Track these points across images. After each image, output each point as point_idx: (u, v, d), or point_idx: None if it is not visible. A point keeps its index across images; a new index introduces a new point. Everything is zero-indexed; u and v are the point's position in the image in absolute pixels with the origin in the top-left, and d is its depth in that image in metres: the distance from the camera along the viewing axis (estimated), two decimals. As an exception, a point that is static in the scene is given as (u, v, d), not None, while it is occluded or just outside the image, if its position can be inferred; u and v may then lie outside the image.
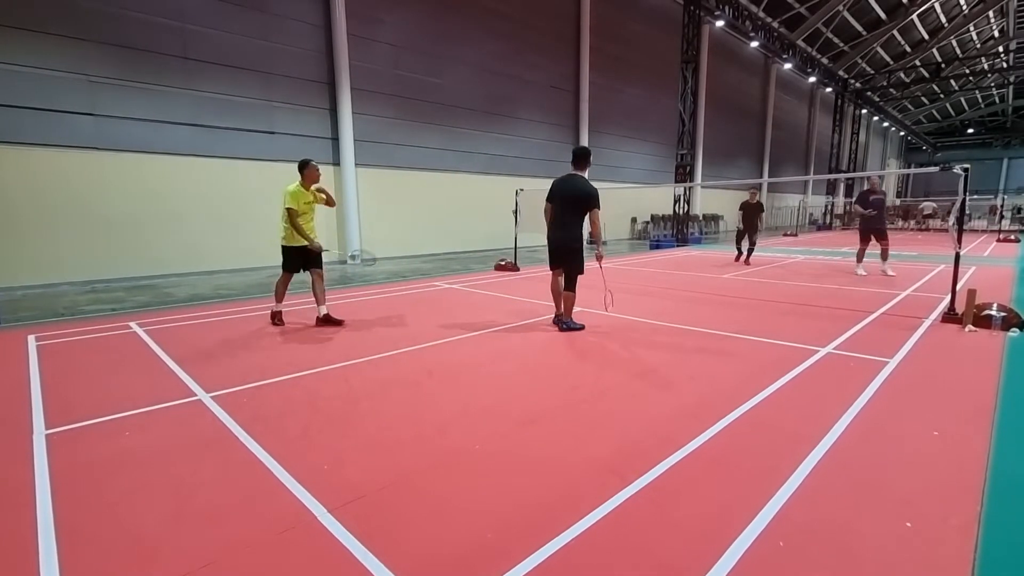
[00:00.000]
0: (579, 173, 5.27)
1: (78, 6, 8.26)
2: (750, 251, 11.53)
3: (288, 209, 5.41)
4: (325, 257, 5.83)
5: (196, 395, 3.56)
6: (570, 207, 5.20)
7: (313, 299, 5.78)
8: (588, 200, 5.16)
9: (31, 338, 5.10)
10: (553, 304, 5.76)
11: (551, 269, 5.51)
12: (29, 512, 2.20)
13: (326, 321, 5.64)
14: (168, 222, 9.40)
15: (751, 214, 11.39)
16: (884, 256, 9.57)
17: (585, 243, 5.43)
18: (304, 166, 5.52)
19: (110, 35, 8.59)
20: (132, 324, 5.71)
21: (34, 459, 2.67)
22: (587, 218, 5.26)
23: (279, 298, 5.80)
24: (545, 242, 5.59)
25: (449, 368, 4.17)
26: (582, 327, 5.42)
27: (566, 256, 5.29)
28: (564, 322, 5.42)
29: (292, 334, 5.31)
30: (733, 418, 3.09)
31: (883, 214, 9.50)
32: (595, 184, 5.37)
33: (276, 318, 5.76)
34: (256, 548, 1.96)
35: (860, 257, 9.89)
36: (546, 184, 5.69)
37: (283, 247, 5.73)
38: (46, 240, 8.22)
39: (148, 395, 3.54)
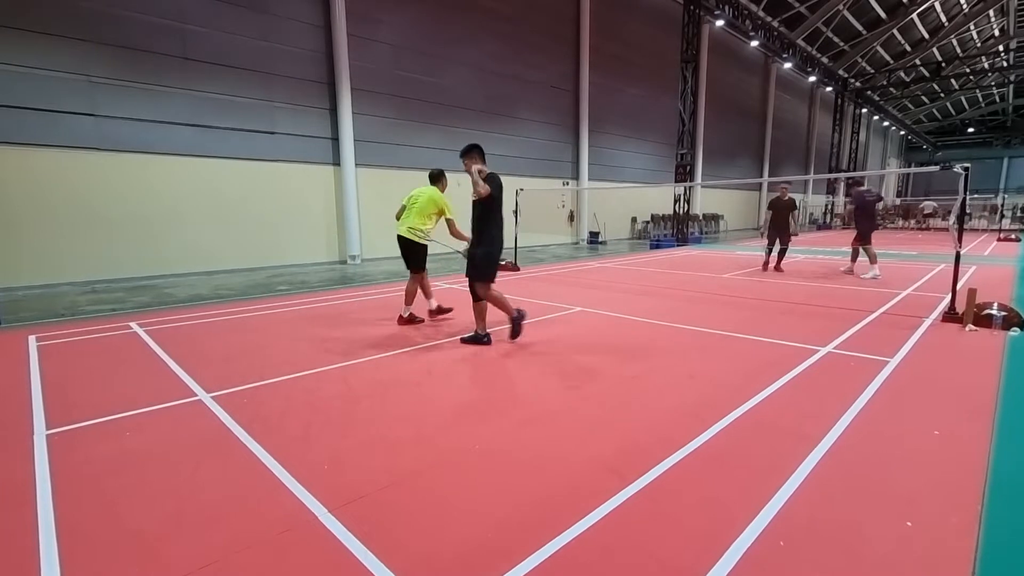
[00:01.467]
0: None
1: (79, 7, 8.27)
2: (782, 254, 10.36)
3: (451, 219, 5.56)
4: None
5: (196, 395, 3.56)
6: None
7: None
8: None
9: (32, 338, 5.11)
10: (500, 314, 5.17)
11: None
12: (30, 512, 2.21)
13: (409, 320, 5.72)
14: (168, 222, 9.41)
15: (782, 213, 10.05)
16: (853, 256, 9.94)
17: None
18: (443, 175, 5.80)
19: (111, 36, 8.59)
20: (132, 324, 5.71)
21: (35, 459, 2.67)
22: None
23: (411, 300, 5.70)
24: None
25: (449, 368, 4.18)
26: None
27: None
28: (483, 333, 4.82)
29: (292, 334, 5.31)
30: (734, 417, 3.09)
31: (856, 214, 9.66)
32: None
33: (413, 320, 5.69)
34: (256, 548, 1.96)
35: (871, 258, 9.25)
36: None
37: (413, 243, 5.58)
38: (47, 240, 8.22)
39: (148, 395, 3.55)
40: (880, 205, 9.79)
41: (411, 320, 5.71)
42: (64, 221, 8.35)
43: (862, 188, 9.81)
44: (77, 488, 2.40)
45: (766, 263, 10.55)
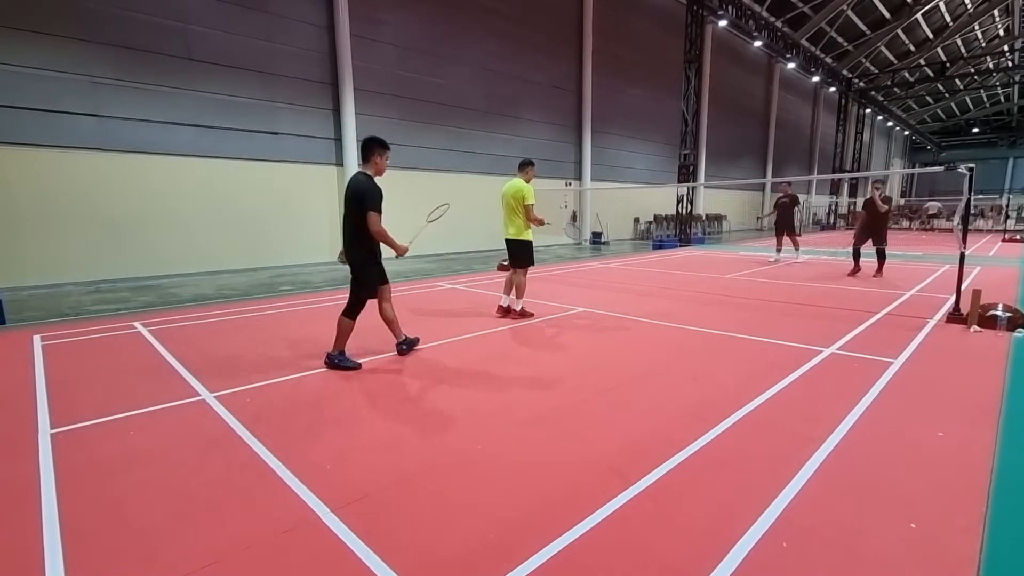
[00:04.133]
0: (362, 171, 4.20)
1: (81, 7, 8.30)
2: (881, 258, 9.33)
3: (531, 205, 5.75)
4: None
5: (200, 395, 3.57)
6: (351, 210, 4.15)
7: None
8: (361, 200, 4.03)
9: (36, 338, 5.13)
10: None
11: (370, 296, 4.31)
12: (34, 510, 2.22)
13: (522, 314, 6.04)
14: (172, 222, 9.44)
15: (876, 213, 9.13)
16: (796, 247, 11.98)
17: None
18: (530, 164, 5.98)
19: (114, 36, 8.63)
20: (136, 324, 5.73)
21: (39, 458, 2.68)
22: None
23: (507, 290, 6.11)
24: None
25: (451, 368, 4.18)
26: (358, 366, 4.19)
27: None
28: (334, 357, 4.20)
29: (295, 334, 5.32)
30: (736, 418, 3.09)
31: (784, 214, 11.66)
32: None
33: (507, 312, 6.09)
34: (259, 547, 1.96)
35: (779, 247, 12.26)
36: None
37: (517, 241, 5.92)
38: (51, 240, 8.26)
39: (152, 395, 3.56)
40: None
41: (524, 314, 6.02)
42: (68, 221, 8.38)
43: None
44: (81, 487, 2.41)
45: (855, 271, 9.64)
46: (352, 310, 4.23)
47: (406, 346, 4.53)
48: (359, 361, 4.26)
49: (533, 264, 6.07)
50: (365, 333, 5.32)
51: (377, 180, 4.33)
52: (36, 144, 8.06)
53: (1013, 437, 2.84)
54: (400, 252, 4.21)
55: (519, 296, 6.02)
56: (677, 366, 4.19)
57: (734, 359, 4.37)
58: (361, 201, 4.01)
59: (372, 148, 4.22)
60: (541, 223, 5.83)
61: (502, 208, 5.99)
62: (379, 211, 4.03)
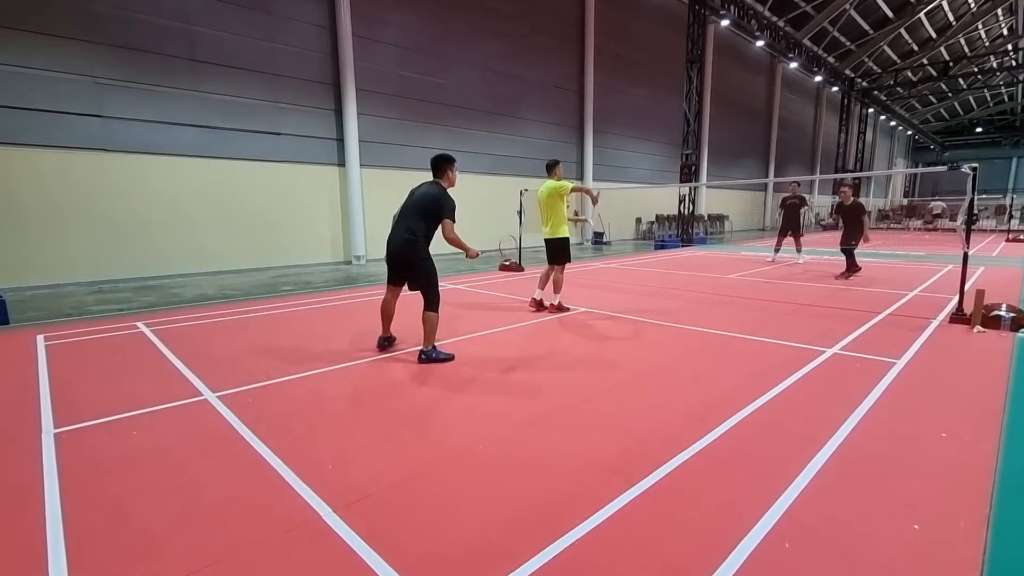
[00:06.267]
0: (435, 181, 4.58)
1: (85, 9, 8.33)
2: (847, 258, 9.26)
3: (573, 187, 6.10)
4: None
5: (202, 395, 3.58)
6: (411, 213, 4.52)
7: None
8: (439, 208, 4.41)
9: (40, 338, 5.14)
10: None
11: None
12: (38, 510, 2.22)
13: (559, 308, 6.32)
14: (174, 223, 9.46)
15: (854, 214, 9.13)
16: (798, 248, 11.81)
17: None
18: (557, 163, 6.31)
19: (117, 37, 8.65)
20: (139, 324, 5.74)
21: (43, 457, 2.69)
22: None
23: (542, 284, 6.50)
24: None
25: (453, 368, 4.18)
26: (451, 357, 4.39)
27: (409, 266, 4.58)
28: (425, 352, 4.34)
29: (296, 334, 5.33)
30: (738, 419, 3.08)
31: (796, 215, 11.36)
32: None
33: (540, 306, 6.40)
34: (261, 547, 1.96)
35: (777, 247, 12.03)
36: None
37: (554, 239, 6.23)
38: (54, 241, 8.28)
39: (155, 395, 3.56)
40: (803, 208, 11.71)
41: (560, 308, 6.30)
42: (71, 222, 8.40)
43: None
44: (84, 486, 2.42)
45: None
46: (436, 303, 4.45)
47: (387, 342, 4.73)
48: (450, 353, 4.46)
49: (569, 260, 6.31)
50: (364, 333, 5.32)
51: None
52: (40, 145, 8.08)
53: (1017, 438, 2.83)
54: (473, 255, 4.64)
55: (556, 291, 6.29)
56: (679, 366, 4.18)
57: (736, 359, 4.36)
58: (439, 209, 4.37)
59: (443, 165, 4.55)
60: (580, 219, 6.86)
61: (538, 210, 6.30)
62: (454, 220, 4.42)
